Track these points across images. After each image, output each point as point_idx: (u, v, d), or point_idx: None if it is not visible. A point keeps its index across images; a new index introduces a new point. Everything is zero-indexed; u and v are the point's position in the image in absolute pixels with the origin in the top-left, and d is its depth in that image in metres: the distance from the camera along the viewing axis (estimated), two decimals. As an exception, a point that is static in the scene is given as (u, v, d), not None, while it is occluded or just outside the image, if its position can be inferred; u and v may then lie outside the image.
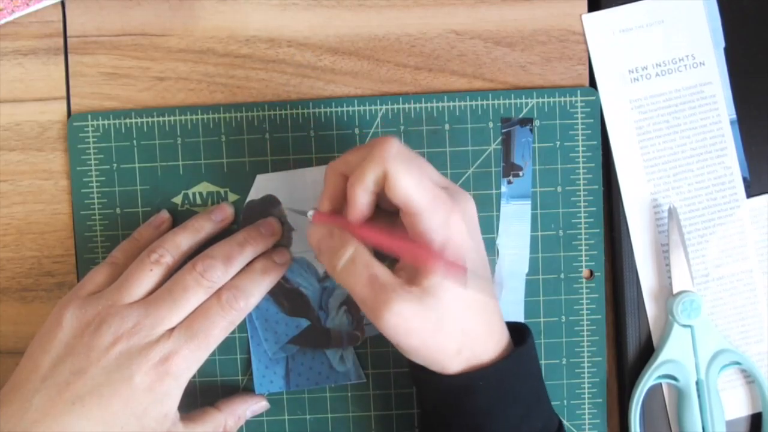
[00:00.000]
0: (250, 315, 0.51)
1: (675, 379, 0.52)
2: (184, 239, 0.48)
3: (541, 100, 0.52)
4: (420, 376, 0.45)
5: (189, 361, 0.45)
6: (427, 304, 0.41)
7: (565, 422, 0.53)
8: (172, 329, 0.45)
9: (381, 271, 0.42)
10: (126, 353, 0.44)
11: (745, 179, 0.53)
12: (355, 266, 0.42)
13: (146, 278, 0.46)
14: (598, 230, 0.53)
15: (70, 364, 0.44)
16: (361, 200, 0.42)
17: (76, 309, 0.45)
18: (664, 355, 0.52)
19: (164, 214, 0.51)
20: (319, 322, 0.52)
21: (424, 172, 0.42)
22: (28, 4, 0.50)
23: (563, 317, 0.53)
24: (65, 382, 0.43)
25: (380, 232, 0.43)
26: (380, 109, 0.52)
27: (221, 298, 0.46)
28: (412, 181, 0.40)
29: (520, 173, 0.52)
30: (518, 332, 0.46)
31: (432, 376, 0.44)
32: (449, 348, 0.42)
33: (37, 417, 0.42)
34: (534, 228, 0.52)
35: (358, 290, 0.42)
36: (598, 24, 0.52)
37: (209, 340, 0.45)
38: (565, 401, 0.53)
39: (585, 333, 0.53)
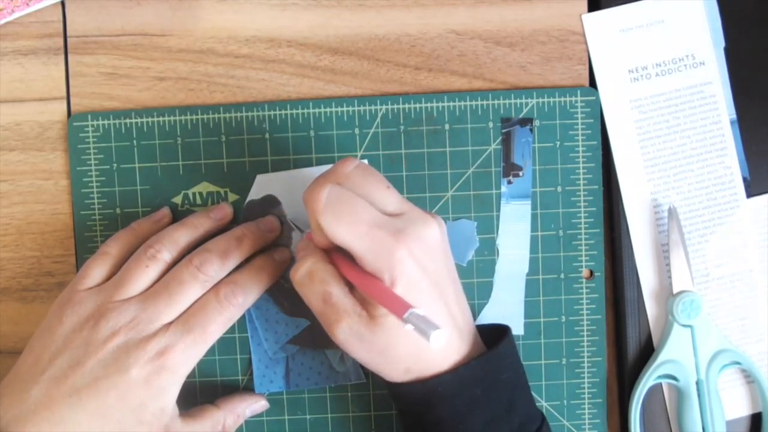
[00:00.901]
0: (250, 315, 0.51)
1: (675, 379, 0.52)
2: (181, 235, 0.48)
3: (541, 100, 0.52)
4: (389, 388, 0.46)
5: (186, 356, 0.45)
6: (374, 330, 0.42)
7: (564, 422, 0.53)
8: (170, 324, 0.45)
9: (336, 289, 0.43)
10: (123, 347, 0.44)
11: (745, 179, 0.53)
12: (312, 280, 0.43)
13: (143, 274, 0.46)
14: (598, 230, 0.53)
15: (68, 358, 0.44)
16: (320, 242, 0.44)
17: (75, 305, 0.45)
18: (664, 355, 0.52)
19: (165, 210, 0.51)
20: (318, 322, 0.52)
21: (359, 215, 0.41)
22: (28, 4, 0.50)
23: (563, 317, 0.53)
24: (63, 375, 0.43)
25: (344, 261, 0.43)
26: (380, 109, 0.52)
27: (219, 293, 0.46)
28: (344, 229, 0.41)
29: (520, 173, 0.52)
30: (498, 335, 0.46)
31: (395, 387, 0.44)
32: (397, 367, 0.43)
33: (34, 408, 0.43)
34: (534, 228, 0.52)
35: (312, 304, 0.43)
36: (598, 24, 0.52)
37: (206, 335, 0.45)
38: (565, 401, 0.53)
39: (585, 333, 0.53)
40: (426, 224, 0.43)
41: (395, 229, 0.41)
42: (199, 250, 0.47)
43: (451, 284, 0.44)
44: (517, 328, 0.52)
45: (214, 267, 0.46)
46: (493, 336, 0.47)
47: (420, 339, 0.38)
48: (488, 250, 0.52)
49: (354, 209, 0.42)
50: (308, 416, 0.53)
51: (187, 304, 0.46)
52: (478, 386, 0.44)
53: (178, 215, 0.52)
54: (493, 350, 0.45)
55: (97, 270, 0.47)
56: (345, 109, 0.52)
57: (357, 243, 0.41)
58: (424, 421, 0.44)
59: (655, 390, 0.53)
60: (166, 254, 0.47)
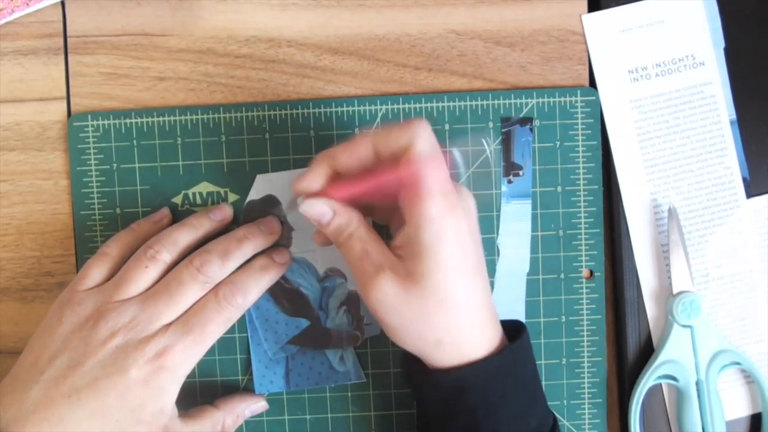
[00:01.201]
0: (250, 315, 0.51)
1: (675, 379, 0.52)
2: (181, 236, 0.48)
3: (541, 100, 0.52)
4: (414, 376, 0.45)
5: (185, 356, 0.45)
6: (411, 290, 0.41)
7: (564, 422, 0.53)
8: (169, 324, 0.45)
9: (375, 247, 0.43)
10: (122, 347, 0.44)
11: (744, 179, 0.53)
12: (351, 240, 0.43)
13: (143, 275, 0.46)
14: (598, 230, 0.53)
15: (68, 358, 0.44)
16: (364, 149, 0.43)
17: (75, 305, 0.45)
18: (663, 356, 0.52)
19: (165, 211, 0.51)
20: (319, 322, 0.52)
21: (442, 162, 0.42)
22: (28, 4, 0.50)
23: (563, 317, 0.53)
24: (62, 376, 0.43)
25: (351, 182, 0.43)
26: (380, 109, 0.52)
27: (218, 293, 0.46)
28: (432, 164, 0.41)
29: (520, 173, 0.52)
30: (514, 331, 0.46)
31: (425, 375, 0.44)
32: (429, 338, 0.43)
33: (33, 409, 0.43)
34: (534, 228, 0.52)
35: (351, 262, 0.44)
36: (598, 24, 0.52)
37: (205, 336, 0.45)
38: (565, 401, 0.53)
39: (585, 333, 0.53)
40: (472, 197, 0.44)
41: (456, 192, 0.42)
42: (199, 251, 0.47)
43: (484, 263, 0.45)
44: (517, 328, 0.52)
45: (214, 268, 0.46)
46: (506, 331, 0.47)
47: (454, 307, 0.40)
48: (488, 249, 0.52)
49: (441, 153, 0.42)
50: (308, 416, 0.53)
51: (186, 305, 0.46)
52: (509, 377, 0.44)
53: (178, 215, 0.52)
54: (519, 341, 0.45)
55: (96, 270, 0.47)
56: (345, 109, 0.52)
57: (435, 182, 0.41)
58: (452, 412, 0.44)
59: (655, 390, 0.53)
60: (165, 255, 0.47)
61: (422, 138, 0.41)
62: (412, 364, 0.45)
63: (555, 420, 0.47)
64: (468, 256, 0.42)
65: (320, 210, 0.44)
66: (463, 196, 0.44)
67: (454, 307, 0.42)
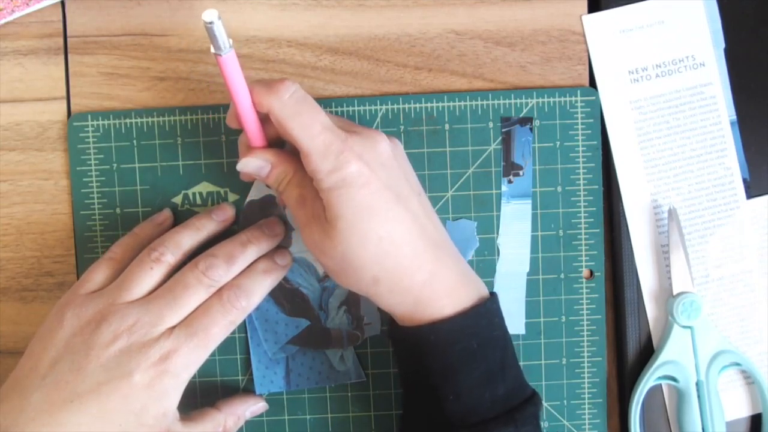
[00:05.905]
0: (249, 315, 0.51)
1: (675, 380, 0.52)
2: (185, 238, 0.48)
3: (541, 100, 0.52)
4: (391, 334, 0.47)
5: (189, 360, 0.44)
6: (332, 234, 0.43)
7: (564, 422, 0.53)
8: (173, 328, 0.45)
9: (309, 191, 0.44)
10: (126, 351, 0.44)
11: (745, 180, 0.53)
12: (289, 187, 0.46)
13: (146, 277, 0.46)
14: (598, 230, 0.53)
15: (70, 362, 0.43)
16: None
17: (77, 308, 0.45)
18: (664, 356, 0.52)
19: (166, 212, 0.51)
20: (319, 322, 0.52)
21: (314, 116, 0.43)
22: (28, 4, 0.50)
23: (563, 317, 0.53)
24: (64, 380, 0.43)
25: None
26: (380, 109, 0.52)
27: (222, 296, 0.46)
28: (298, 125, 0.43)
29: (521, 172, 0.52)
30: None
31: (394, 331, 0.46)
32: (365, 276, 0.44)
33: (35, 414, 0.42)
34: (534, 228, 0.52)
35: (290, 208, 0.46)
36: (598, 24, 0.52)
37: (209, 339, 0.45)
38: (565, 401, 0.53)
39: (585, 333, 0.53)
40: (379, 138, 0.45)
41: (345, 134, 0.43)
42: (204, 255, 0.47)
43: (415, 195, 0.45)
44: (518, 328, 0.52)
45: (220, 271, 0.46)
46: None
47: (375, 242, 0.42)
48: (488, 250, 0.52)
49: (313, 109, 0.43)
50: (308, 416, 0.53)
51: (190, 308, 0.45)
52: (473, 340, 0.44)
53: (178, 215, 0.52)
54: (483, 305, 0.45)
55: (99, 274, 0.47)
56: (345, 109, 0.52)
57: (308, 140, 0.43)
58: (416, 372, 0.45)
59: (655, 391, 0.53)
60: (169, 257, 0.47)
61: (277, 103, 0.43)
62: (391, 324, 0.47)
63: (534, 395, 0.46)
64: (373, 187, 0.43)
65: (256, 165, 0.46)
66: (362, 138, 0.44)
67: (375, 241, 0.43)
